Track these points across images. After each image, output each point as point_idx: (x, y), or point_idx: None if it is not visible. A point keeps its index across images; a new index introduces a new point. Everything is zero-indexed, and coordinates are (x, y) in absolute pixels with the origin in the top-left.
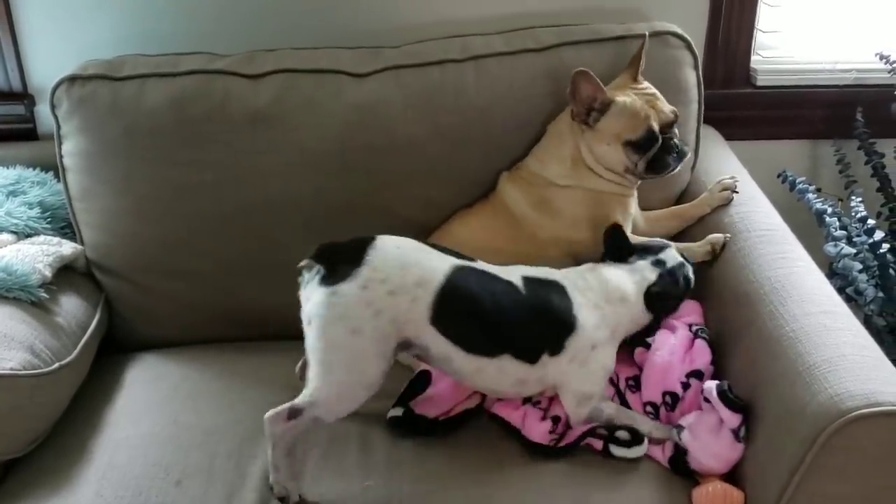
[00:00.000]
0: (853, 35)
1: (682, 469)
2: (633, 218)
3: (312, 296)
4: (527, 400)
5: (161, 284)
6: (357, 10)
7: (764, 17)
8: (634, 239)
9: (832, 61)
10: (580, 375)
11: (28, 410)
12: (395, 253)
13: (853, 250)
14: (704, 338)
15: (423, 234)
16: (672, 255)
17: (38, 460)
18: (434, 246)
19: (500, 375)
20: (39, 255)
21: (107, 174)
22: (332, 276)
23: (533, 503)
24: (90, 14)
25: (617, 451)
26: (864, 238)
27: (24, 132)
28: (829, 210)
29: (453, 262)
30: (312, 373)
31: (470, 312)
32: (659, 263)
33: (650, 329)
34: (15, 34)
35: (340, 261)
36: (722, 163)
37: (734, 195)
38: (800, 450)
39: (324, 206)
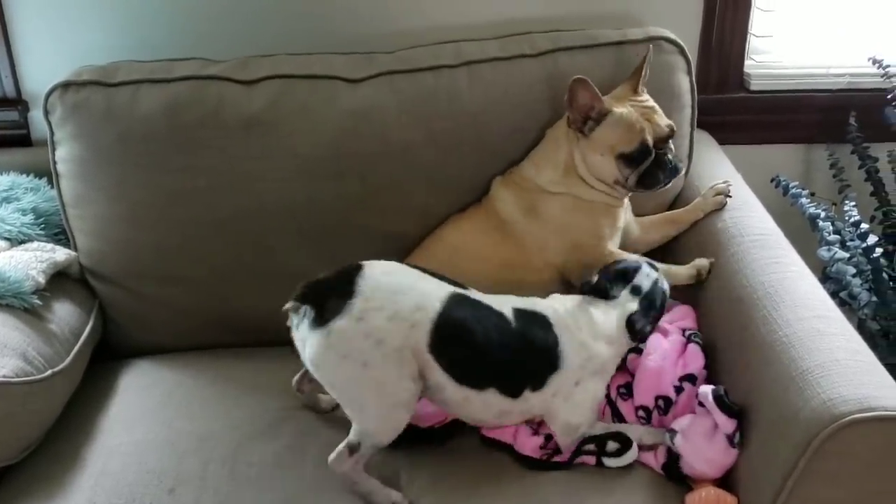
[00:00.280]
0: (846, 39)
1: (675, 475)
2: (626, 226)
3: (308, 340)
4: None
5: (155, 290)
6: (351, 16)
7: (757, 22)
8: (622, 255)
9: (825, 66)
10: (566, 408)
11: (21, 417)
12: (385, 280)
13: (847, 254)
14: (697, 342)
15: (418, 239)
16: (646, 275)
17: (32, 467)
18: (428, 271)
19: (485, 407)
20: (33, 261)
21: (100, 180)
22: (323, 315)
23: None
24: (84, 20)
25: (609, 462)
26: (857, 242)
27: (18, 138)
28: (823, 214)
29: (449, 289)
30: (348, 412)
31: (464, 343)
32: (636, 290)
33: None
34: (9, 40)
35: (329, 296)
36: (716, 167)
37: (727, 200)
38: (793, 455)
39: (318, 212)
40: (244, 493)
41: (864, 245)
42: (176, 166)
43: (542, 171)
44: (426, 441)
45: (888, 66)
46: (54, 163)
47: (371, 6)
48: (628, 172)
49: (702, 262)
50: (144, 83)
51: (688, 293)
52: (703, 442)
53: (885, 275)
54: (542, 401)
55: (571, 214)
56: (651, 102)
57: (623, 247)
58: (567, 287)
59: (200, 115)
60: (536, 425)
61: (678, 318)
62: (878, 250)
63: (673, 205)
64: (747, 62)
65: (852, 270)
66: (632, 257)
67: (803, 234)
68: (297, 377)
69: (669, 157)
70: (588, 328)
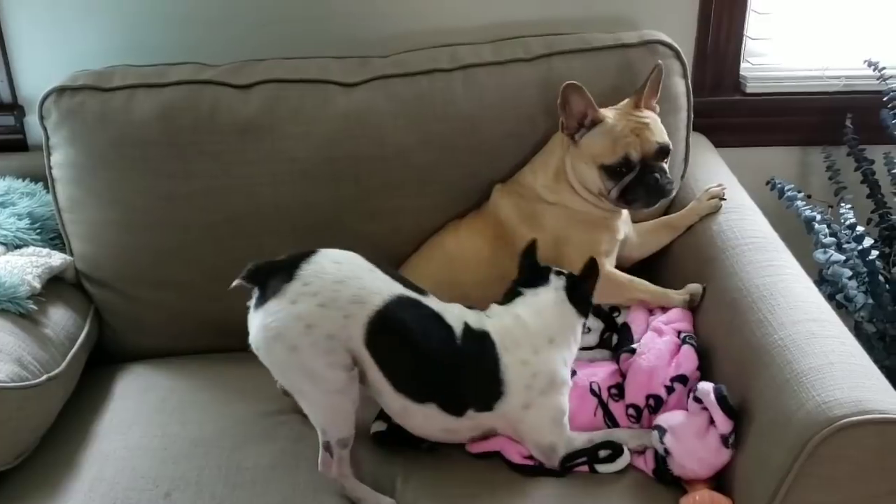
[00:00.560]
0: (842, 42)
1: (666, 477)
2: (624, 236)
3: (251, 321)
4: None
5: (150, 295)
6: (346, 20)
7: (753, 25)
8: (616, 275)
9: (821, 68)
10: (525, 432)
11: (16, 423)
12: (331, 267)
13: (842, 257)
14: (692, 344)
15: (412, 242)
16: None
17: (26, 473)
18: (386, 270)
19: (427, 421)
20: (28, 266)
21: (95, 185)
22: (264, 296)
23: None
24: (80, 25)
25: (602, 468)
26: (853, 245)
27: (14, 143)
28: (818, 217)
29: (398, 289)
30: (298, 401)
31: (401, 348)
32: (561, 272)
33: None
34: (4, 45)
35: (273, 278)
36: (711, 170)
37: (723, 203)
38: (787, 458)
39: (313, 216)
40: (239, 498)
41: (860, 248)
42: (171, 171)
43: (539, 175)
44: (415, 445)
45: (884, 68)
46: (50, 167)
47: (366, 10)
48: (611, 185)
49: (695, 288)
50: (139, 88)
51: None
52: (694, 441)
53: (881, 277)
54: (493, 420)
55: (568, 228)
56: (648, 119)
57: (622, 255)
58: None
59: (195, 120)
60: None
61: (674, 320)
62: (874, 253)
63: (668, 209)
64: (743, 65)
65: (848, 273)
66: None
67: (799, 237)
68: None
69: (657, 175)
70: (527, 338)
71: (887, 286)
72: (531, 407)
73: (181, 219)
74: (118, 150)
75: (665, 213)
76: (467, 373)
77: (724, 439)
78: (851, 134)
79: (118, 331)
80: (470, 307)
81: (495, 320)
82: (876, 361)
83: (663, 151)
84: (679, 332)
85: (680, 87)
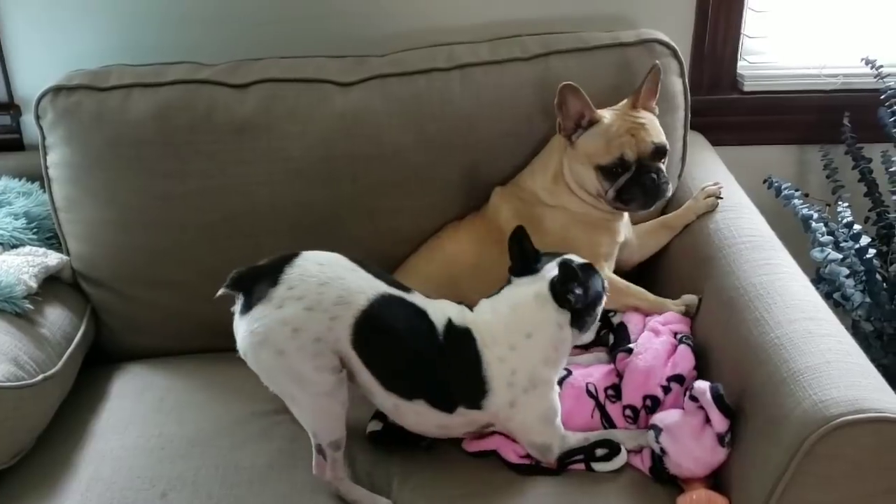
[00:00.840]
0: (840, 40)
1: (663, 476)
2: (625, 239)
3: (237, 327)
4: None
5: (147, 294)
6: (343, 19)
7: (750, 23)
8: (615, 280)
9: (819, 66)
10: (517, 429)
11: (12, 423)
12: (315, 269)
13: (840, 255)
14: (689, 344)
15: (410, 242)
16: (579, 258)
17: (23, 473)
18: (368, 268)
19: (419, 418)
20: (24, 266)
21: (92, 185)
22: (250, 302)
23: None
24: (76, 24)
25: (599, 466)
26: (850, 243)
27: (10, 143)
28: (815, 216)
29: (381, 288)
30: (288, 405)
31: (388, 347)
32: (565, 262)
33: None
34: (1, 45)
35: (257, 284)
36: (709, 169)
37: (719, 202)
38: (784, 457)
39: (309, 215)
40: (236, 498)
41: (857, 246)
42: (167, 170)
43: (538, 178)
44: (412, 444)
45: (881, 66)
46: (46, 167)
47: (363, 9)
48: (607, 186)
49: (691, 298)
50: (135, 87)
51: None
52: (690, 440)
53: (878, 276)
54: (486, 416)
55: (568, 230)
56: (644, 119)
57: (623, 259)
58: None
59: (191, 119)
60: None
61: (671, 321)
62: (872, 251)
63: (666, 209)
64: (740, 63)
65: (846, 271)
66: (621, 282)
67: (797, 236)
68: None
69: (653, 175)
70: (503, 333)
71: (884, 284)
72: (517, 405)
73: (177, 218)
74: (114, 150)
75: (662, 213)
76: (451, 370)
77: (721, 438)
78: (849, 132)
79: (115, 330)
80: (460, 303)
81: (478, 315)
82: (873, 360)
83: (659, 151)
84: (675, 334)
85: (677, 85)
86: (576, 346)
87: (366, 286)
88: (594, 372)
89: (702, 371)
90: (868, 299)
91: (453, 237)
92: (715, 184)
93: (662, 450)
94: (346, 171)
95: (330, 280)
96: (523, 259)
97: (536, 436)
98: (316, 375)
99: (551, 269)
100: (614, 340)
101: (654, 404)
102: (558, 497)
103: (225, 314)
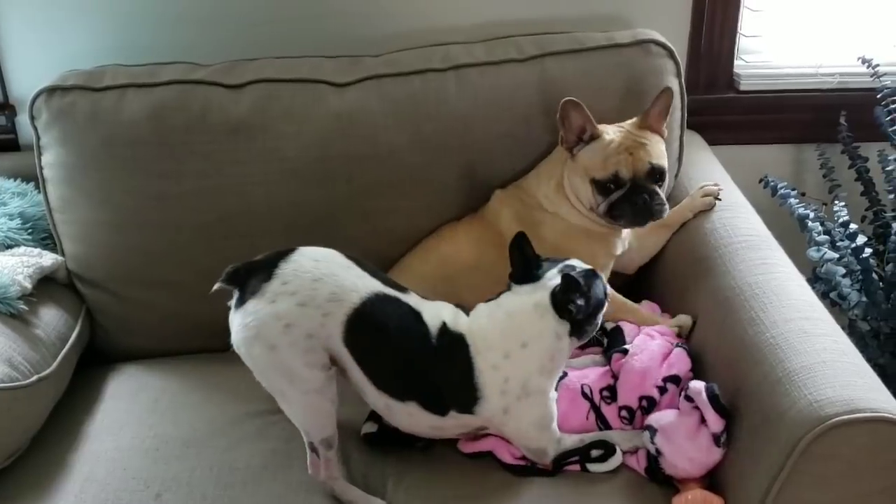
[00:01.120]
0: (836, 39)
1: (658, 477)
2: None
3: (231, 321)
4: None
5: (142, 295)
6: (338, 19)
7: (746, 22)
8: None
9: (815, 65)
10: (512, 433)
11: (6, 423)
12: (309, 265)
13: (836, 255)
14: (685, 348)
15: (406, 242)
16: (582, 264)
17: (17, 474)
18: (364, 266)
19: (412, 419)
20: (19, 266)
21: (86, 185)
22: (244, 297)
23: None
24: (72, 25)
25: (594, 467)
26: (847, 242)
27: (6, 143)
28: (812, 215)
29: (376, 286)
30: (278, 402)
31: (380, 347)
32: (568, 269)
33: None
34: None
35: (252, 278)
36: (705, 168)
37: (717, 202)
38: (780, 456)
39: (305, 216)
40: (231, 498)
41: (853, 245)
42: (162, 171)
43: (542, 184)
44: (407, 445)
45: (878, 65)
46: (40, 168)
47: (358, 9)
48: (600, 200)
49: (685, 319)
50: (130, 87)
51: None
52: (685, 441)
53: (874, 275)
54: (478, 421)
55: (565, 239)
56: (646, 139)
57: (625, 263)
58: None
59: (186, 120)
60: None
61: (666, 333)
62: (868, 250)
63: None
64: (737, 62)
65: (842, 271)
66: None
67: (793, 235)
68: None
69: (646, 196)
70: (498, 341)
71: (881, 284)
72: (510, 412)
73: (173, 219)
74: (109, 150)
75: None
76: (443, 374)
77: (716, 438)
78: (845, 131)
79: (110, 331)
80: (457, 305)
81: (473, 321)
82: (870, 359)
83: (656, 173)
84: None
85: (674, 86)
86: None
87: (360, 284)
88: (589, 374)
89: (697, 371)
90: (864, 298)
91: (451, 238)
92: (715, 184)
93: (658, 450)
94: (342, 171)
95: (324, 276)
96: (524, 265)
97: (531, 441)
98: (306, 372)
99: (552, 277)
100: (609, 342)
101: (649, 405)
102: (554, 498)
103: (220, 315)
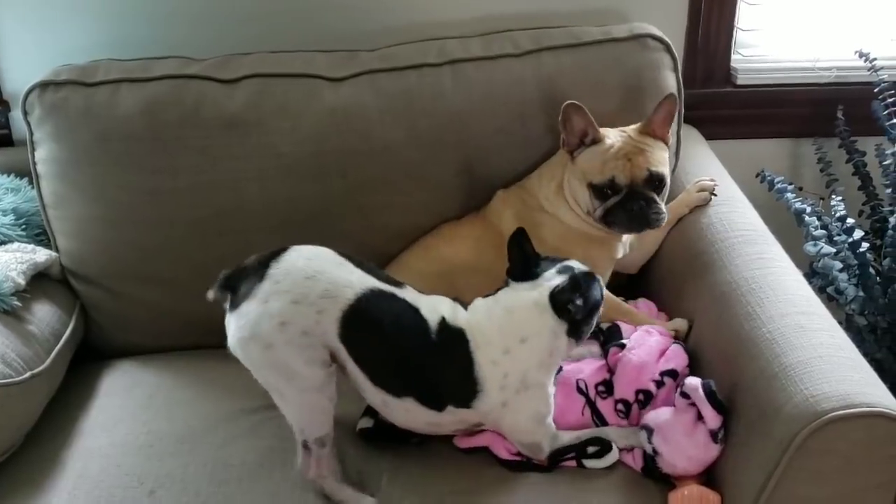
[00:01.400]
0: (833, 33)
1: (655, 475)
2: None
3: (227, 325)
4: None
5: (136, 291)
6: (333, 14)
7: (744, 16)
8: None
9: (812, 59)
10: (508, 429)
11: None
12: (301, 264)
13: (833, 249)
14: (682, 345)
15: (401, 239)
16: (581, 265)
17: (11, 470)
18: (358, 263)
19: (409, 415)
20: (13, 262)
21: (80, 181)
22: (237, 299)
23: None
24: (65, 20)
25: (590, 463)
26: (844, 237)
27: None
28: (808, 209)
29: (371, 282)
30: (276, 402)
31: (376, 342)
32: (566, 269)
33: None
34: None
35: (244, 281)
36: (702, 163)
37: (713, 197)
38: (776, 452)
39: (300, 211)
40: (224, 495)
41: (850, 240)
42: (156, 166)
43: (544, 185)
44: (403, 440)
45: (875, 59)
46: (34, 163)
47: (353, 3)
48: (597, 204)
49: (681, 323)
50: (124, 82)
51: (672, 290)
52: (683, 439)
53: (871, 270)
54: (475, 417)
55: (564, 242)
56: (648, 146)
57: (625, 264)
58: None
59: (180, 115)
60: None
61: (664, 333)
62: (865, 245)
63: None
64: (734, 56)
65: (839, 265)
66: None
67: (790, 230)
68: None
69: (642, 203)
70: (497, 336)
71: (878, 278)
72: (508, 405)
73: (167, 214)
74: (102, 146)
75: None
76: (442, 369)
77: (714, 434)
78: (843, 126)
79: (104, 327)
80: (454, 300)
81: (472, 316)
82: (867, 354)
83: (654, 180)
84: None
85: (670, 80)
86: None
87: (353, 280)
88: (585, 368)
89: (694, 366)
90: (861, 293)
91: (452, 238)
92: (711, 179)
93: (655, 450)
94: (337, 166)
95: (316, 274)
96: (523, 262)
97: (526, 435)
98: (306, 369)
99: (551, 277)
100: (606, 338)
101: (646, 398)
102: (550, 494)
103: (214, 311)
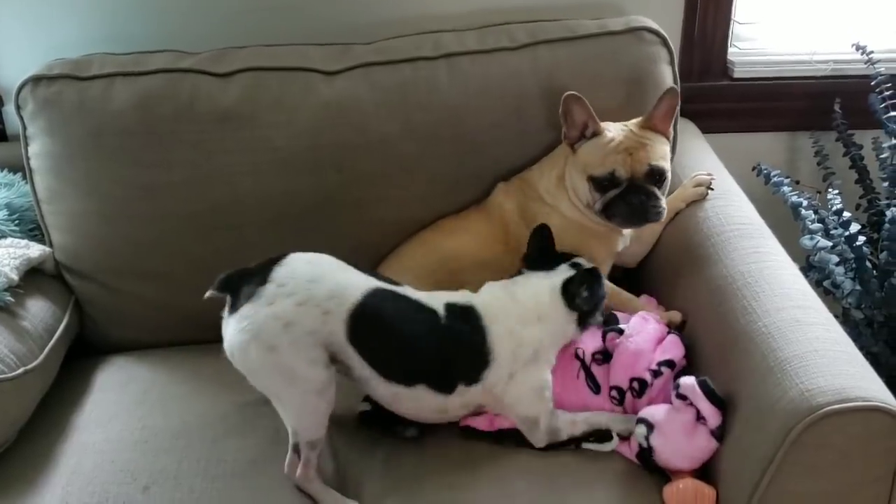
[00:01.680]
0: (830, 26)
1: (650, 465)
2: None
3: (225, 328)
4: None
5: (131, 286)
6: (328, 7)
7: (741, 9)
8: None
9: (809, 52)
10: (511, 402)
11: None
12: (304, 268)
13: (829, 243)
14: (679, 335)
15: (397, 233)
16: (586, 262)
17: (3, 466)
18: (359, 268)
19: (418, 403)
20: (6, 257)
21: (74, 176)
22: (237, 302)
23: None
24: (59, 14)
25: (589, 446)
26: (840, 231)
27: None
28: (805, 203)
29: (374, 282)
30: (274, 404)
31: (386, 337)
32: (576, 265)
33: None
34: None
35: (245, 284)
36: (699, 156)
37: (710, 192)
38: (771, 446)
39: (295, 205)
40: (218, 491)
41: (847, 233)
42: (150, 161)
43: (544, 177)
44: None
45: (872, 52)
46: (27, 158)
47: None
48: (597, 197)
49: (674, 315)
50: (117, 76)
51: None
52: (682, 438)
53: (868, 263)
54: (481, 394)
55: (564, 234)
56: (649, 140)
57: (625, 258)
58: None
59: (174, 109)
60: None
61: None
62: (862, 238)
63: None
64: (730, 49)
65: (835, 259)
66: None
67: (787, 223)
68: None
69: (643, 197)
70: (515, 311)
71: (875, 272)
72: (515, 376)
73: (161, 209)
74: (96, 140)
75: None
76: (454, 347)
77: (715, 432)
78: (840, 119)
79: (99, 322)
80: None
81: (483, 295)
82: (863, 348)
83: (655, 174)
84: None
85: (667, 73)
86: None
87: (358, 281)
88: (585, 338)
89: (689, 360)
90: (858, 287)
91: (452, 232)
92: (708, 174)
93: (650, 446)
94: (332, 160)
95: (320, 276)
96: (541, 252)
97: (527, 409)
98: (309, 371)
99: (565, 270)
100: (604, 322)
101: (641, 388)
102: (547, 487)
103: (209, 306)
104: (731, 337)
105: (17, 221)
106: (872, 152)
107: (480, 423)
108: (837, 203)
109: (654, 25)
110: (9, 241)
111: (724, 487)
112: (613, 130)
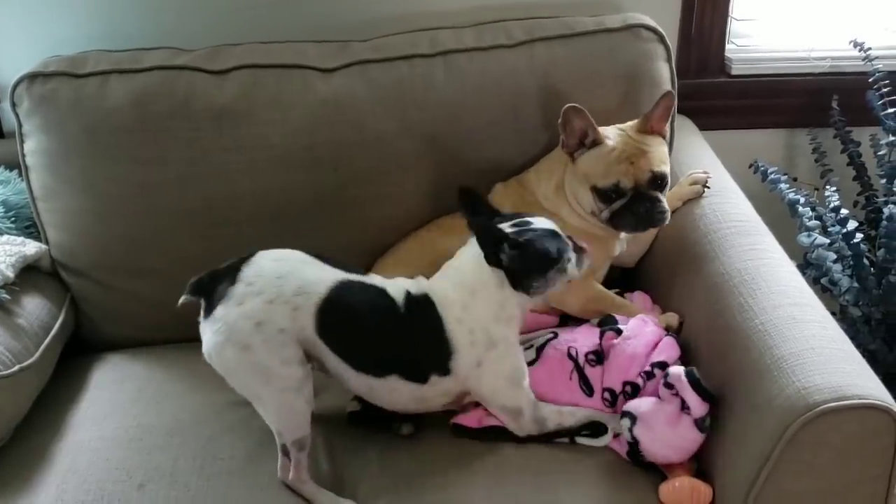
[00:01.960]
0: (828, 23)
1: (640, 462)
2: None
3: (202, 332)
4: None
5: (126, 283)
6: (324, 3)
7: (738, 5)
8: (602, 292)
9: (807, 49)
10: (487, 392)
11: None
12: (271, 265)
13: (827, 240)
14: (674, 336)
15: (393, 230)
16: (545, 223)
17: None
18: (325, 259)
19: (395, 394)
20: (1, 255)
21: (69, 173)
22: (211, 305)
23: None
24: (55, 11)
25: (583, 440)
26: (837, 228)
27: None
28: (802, 200)
29: (340, 275)
30: (255, 406)
31: (352, 328)
32: (522, 223)
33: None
34: None
35: (217, 287)
36: (696, 153)
37: (706, 190)
38: (768, 444)
39: (291, 203)
40: (213, 489)
41: (844, 231)
42: (146, 158)
43: (542, 183)
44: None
45: (870, 49)
46: (23, 155)
47: None
48: (602, 207)
49: (672, 318)
50: (113, 74)
51: (666, 283)
52: (665, 428)
53: (865, 260)
54: (457, 385)
55: None
56: (649, 146)
57: (623, 259)
58: None
59: (170, 106)
60: None
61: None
62: (859, 235)
63: None
64: (728, 46)
65: (833, 256)
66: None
67: (785, 220)
68: None
69: (648, 204)
70: (455, 294)
71: (872, 269)
72: (483, 364)
73: (157, 206)
74: (92, 137)
75: None
76: (416, 338)
77: (698, 423)
78: (837, 116)
79: (95, 320)
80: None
81: (434, 281)
82: (860, 345)
83: (657, 179)
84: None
85: (664, 71)
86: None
87: (324, 275)
88: (579, 337)
89: (685, 357)
90: (856, 284)
91: (450, 229)
92: (704, 172)
93: (635, 438)
94: (328, 158)
95: (287, 273)
96: (474, 216)
97: (506, 399)
98: (283, 369)
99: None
100: (602, 321)
101: (633, 391)
102: (540, 485)
103: None
104: (727, 334)
105: (13, 219)
106: (870, 149)
107: (469, 421)
108: (835, 200)
109: (652, 22)
110: (4, 238)
111: (721, 485)
112: (612, 138)
